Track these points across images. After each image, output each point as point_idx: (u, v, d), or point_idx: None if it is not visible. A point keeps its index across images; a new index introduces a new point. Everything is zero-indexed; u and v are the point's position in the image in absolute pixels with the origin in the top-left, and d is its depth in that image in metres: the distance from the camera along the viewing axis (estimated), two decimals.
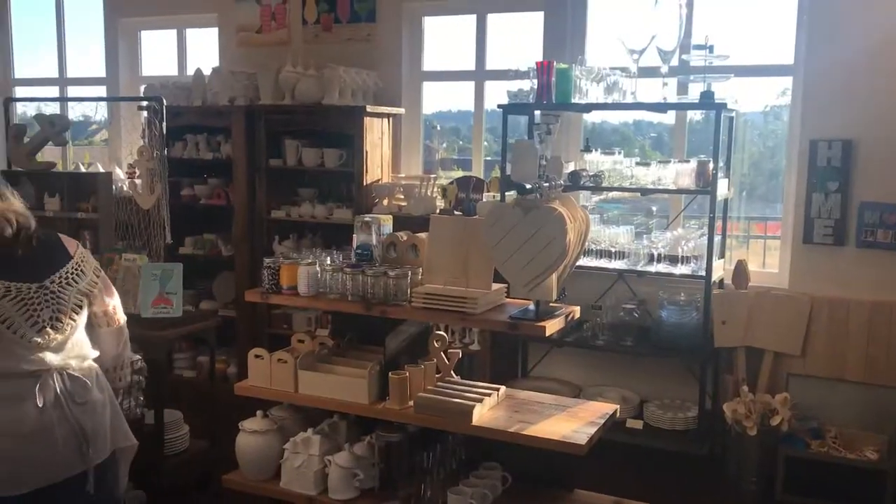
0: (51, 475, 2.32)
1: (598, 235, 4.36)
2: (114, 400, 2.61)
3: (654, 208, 4.61)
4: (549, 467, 3.03)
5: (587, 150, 4.44)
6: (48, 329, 2.34)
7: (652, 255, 4.33)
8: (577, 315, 3.05)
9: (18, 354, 2.28)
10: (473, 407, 2.84)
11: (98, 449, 2.43)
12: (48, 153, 5.25)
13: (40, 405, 2.29)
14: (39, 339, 2.31)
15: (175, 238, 4.55)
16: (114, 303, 2.66)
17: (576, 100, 4.18)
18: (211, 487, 3.93)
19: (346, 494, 2.98)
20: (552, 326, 2.81)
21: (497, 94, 5.11)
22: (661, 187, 4.25)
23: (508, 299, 3.03)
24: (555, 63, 4.15)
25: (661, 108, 4.21)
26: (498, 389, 3.08)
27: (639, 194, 4.50)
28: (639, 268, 4.31)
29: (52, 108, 6.04)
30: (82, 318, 2.48)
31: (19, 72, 6.82)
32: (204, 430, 4.14)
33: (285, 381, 3.12)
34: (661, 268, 4.27)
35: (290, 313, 5.22)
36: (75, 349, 2.44)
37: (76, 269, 2.47)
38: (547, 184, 2.79)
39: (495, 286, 2.97)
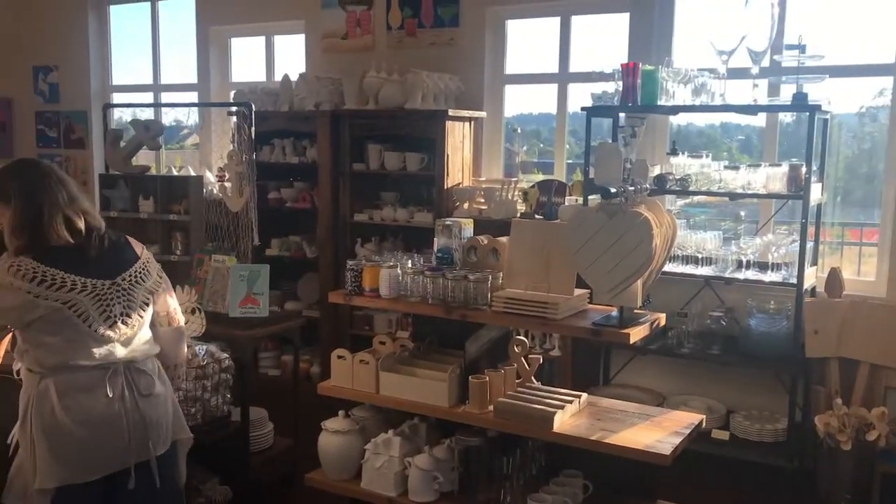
0: (118, 463, 2.45)
1: (685, 241, 4.26)
2: (173, 394, 2.74)
3: (742, 213, 4.47)
4: (632, 477, 2.97)
5: (673, 153, 4.34)
6: (119, 324, 2.47)
7: (740, 262, 4.21)
8: (663, 322, 2.98)
9: (91, 347, 2.41)
10: (555, 413, 2.81)
11: (161, 439, 2.56)
12: (142, 157, 5.45)
13: (110, 395, 2.43)
14: (111, 333, 2.45)
15: (262, 240, 4.66)
16: (174, 304, 2.78)
17: (662, 102, 4.10)
18: (294, 485, 4.00)
19: (425, 497, 2.99)
20: (637, 334, 2.76)
21: (579, 96, 5.07)
22: (751, 192, 4.11)
23: (591, 305, 2.99)
24: (640, 65, 4.08)
25: (751, 110, 4.09)
26: (580, 396, 3.04)
27: (727, 199, 4.37)
28: (726, 274, 4.19)
29: (147, 114, 6.26)
30: (148, 315, 2.60)
31: (116, 79, 7.12)
32: (287, 428, 4.21)
33: (367, 382, 3.15)
34: (750, 275, 4.14)
35: (372, 315, 5.28)
36: (141, 344, 2.56)
37: (143, 269, 2.60)
38: (632, 187, 2.74)
39: (578, 291, 2.93)
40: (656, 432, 2.82)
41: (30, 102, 7.33)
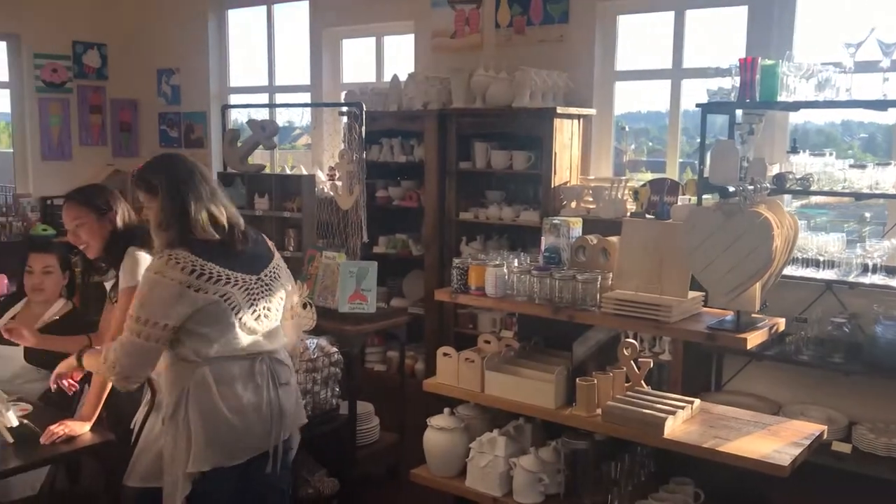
0: (259, 447, 2.56)
1: (806, 243, 4.07)
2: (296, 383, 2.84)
3: (867, 214, 4.23)
4: (746, 487, 2.84)
5: (794, 151, 4.15)
6: (262, 317, 2.56)
7: (866, 266, 3.98)
8: (782, 328, 2.85)
9: (241, 339, 2.51)
10: (665, 419, 2.73)
11: (289, 426, 2.67)
12: (257, 156, 5.63)
13: (258, 384, 2.54)
14: (257, 326, 2.54)
15: (370, 237, 4.74)
16: (296, 298, 2.87)
17: (782, 98, 3.92)
18: (399, 480, 4.05)
19: (530, 498, 2.96)
20: (754, 339, 2.65)
21: (692, 93, 4.92)
22: (879, 191, 3.89)
23: (705, 308, 2.89)
24: (759, 59, 3.92)
25: (881, 105, 3.85)
26: (692, 402, 2.94)
27: (848, 199, 4.16)
28: (850, 279, 3.97)
29: (262, 115, 6.46)
30: (282, 309, 2.69)
31: (233, 81, 7.39)
32: (392, 423, 4.27)
33: (472, 380, 3.14)
34: (877, 279, 3.92)
35: (476, 313, 5.28)
36: (278, 336, 2.65)
37: (278, 265, 2.69)
38: (751, 186, 2.63)
39: (691, 294, 2.83)
40: (773, 442, 2.70)
41: (153, 104, 7.70)
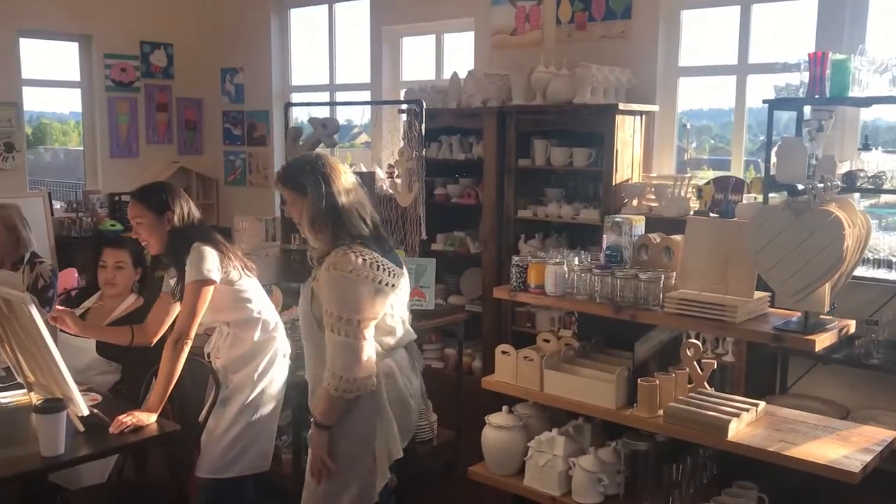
0: (412, 431, 2.81)
1: (877, 243, 3.95)
2: None
3: None
4: (812, 493, 2.77)
5: (865, 148, 4.02)
6: (407, 309, 2.78)
7: None
8: (852, 330, 2.77)
9: (406, 328, 2.73)
10: (730, 421, 2.67)
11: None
12: None
13: (417, 370, 2.78)
14: (406, 317, 2.76)
15: (428, 235, 4.75)
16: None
17: (854, 93, 3.81)
18: (456, 476, 4.05)
19: (589, 499, 2.93)
20: (823, 341, 2.57)
21: (757, 89, 4.81)
22: None
23: (772, 309, 2.82)
24: (830, 54, 3.81)
25: None
26: (756, 405, 2.87)
27: None
28: None
29: (324, 113, 6.53)
30: None
31: (295, 79, 7.49)
32: (449, 420, 4.27)
33: (531, 378, 3.13)
34: None
35: (534, 312, 5.25)
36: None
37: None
38: (821, 184, 2.55)
39: (757, 294, 2.77)
40: (842, 447, 2.62)
41: (217, 102, 7.85)
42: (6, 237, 4.22)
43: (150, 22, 7.54)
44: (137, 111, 7.61)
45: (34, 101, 7.38)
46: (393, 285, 2.58)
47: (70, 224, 6.91)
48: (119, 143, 7.51)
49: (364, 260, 2.50)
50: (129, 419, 2.82)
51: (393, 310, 2.64)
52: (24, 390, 3.02)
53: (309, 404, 2.76)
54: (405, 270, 2.74)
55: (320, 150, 5.28)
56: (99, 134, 7.42)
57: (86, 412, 2.74)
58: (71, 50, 7.37)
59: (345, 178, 2.61)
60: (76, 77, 7.43)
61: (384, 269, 2.54)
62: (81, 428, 2.76)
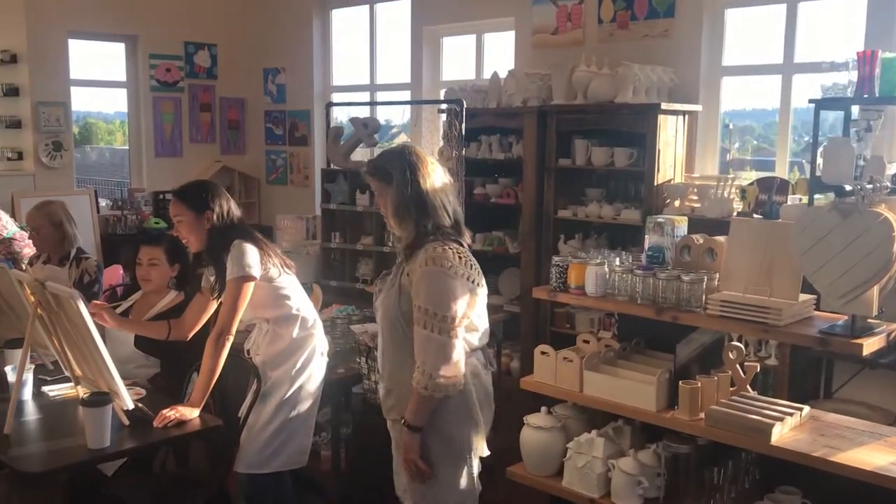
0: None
1: None
2: None
3: None
4: (858, 500, 2.71)
5: None
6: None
7: None
8: None
9: (487, 326, 2.72)
10: (773, 425, 2.63)
11: None
12: (357, 153, 5.72)
13: (489, 368, 2.76)
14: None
15: None
16: None
17: None
18: (494, 476, 4.04)
19: (629, 501, 2.91)
20: (870, 345, 2.52)
21: (802, 89, 4.74)
22: None
23: (817, 312, 2.77)
24: (879, 52, 3.73)
25: None
26: (801, 409, 2.83)
27: None
28: None
29: (364, 112, 6.57)
30: None
31: (336, 80, 7.54)
32: None
33: (570, 380, 3.11)
34: None
35: (574, 313, 5.22)
36: None
37: None
38: (870, 185, 2.50)
39: (802, 297, 2.72)
40: (890, 454, 2.57)
41: (259, 102, 7.94)
42: (52, 233, 4.31)
43: (194, 23, 7.66)
44: (181, 111, 7.72)
45: (80, 102, 7.54)
46: (480, 284, 2.57)
47: (115, 221, 7.05)
48: (163, 143, 7.64)
49: (460, 257, 2.48)
50: (172, 413, 2.87)
51: (478, 308, 2.62)
52: (72, 384, 3.08)
53: (383, 405, 2.71)
54: None
55: (362, 149, 5.32)
56: (144, 133, 7.55)
57: (131, 406, 2.79)
58: (117, 51, 7.51)
59: (432, 169, 2.58)
60: (122, 77, 7.57)
61: (474, 268, 2.54)
62: (126, 421, 2.81)
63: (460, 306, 2.46)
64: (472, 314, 2.58)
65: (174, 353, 3.43)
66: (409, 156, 2.58)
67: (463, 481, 2.62)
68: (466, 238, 2.63)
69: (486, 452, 2.70)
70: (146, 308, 3.64)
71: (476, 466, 2.68)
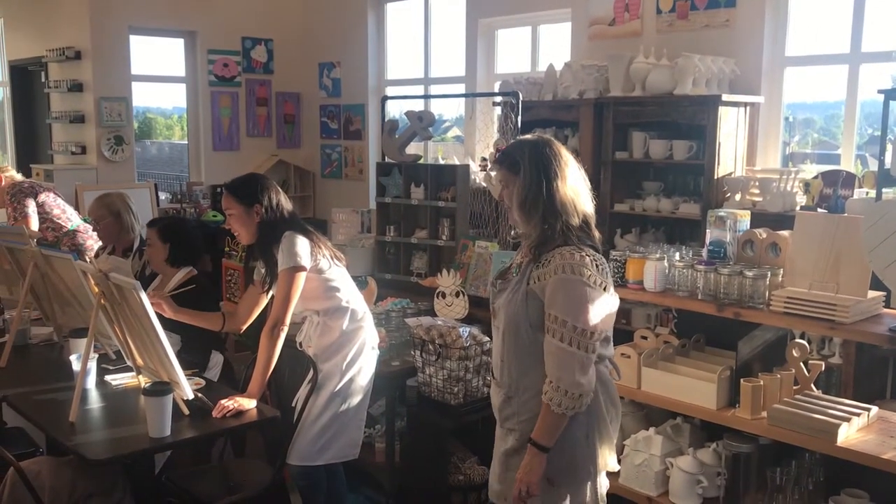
0: None
1: None
2: None
3: None
4: None
5: None
6: None
7: None
8: None
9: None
10: (839, 426, 2.56)
11: None
12: (411, 147, 5.72)
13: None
14: None
15: None
16: None
17: None
18: None
19: (687, 500, 2.86)
20: None
21: (868, 80, 4.58)
22: None
23: (886, 309, 2.68)
24: None
25: None
26: (868, 409, 2.74)
27: None
28: None
29: (418, 106, 6.55)
30: None
31: (390, 73, 7.56)
32: None
33: (628, 376, 3.07)
34: None
35: (629, 308, 5.13)
36: None
37: None
38: None
39: (871, 293, 2.64)
40: None
41: (315, 96, 8.00)
42: (112, 223, 4.41)
43: (251, 18, 7.75)
44: (238, 105, 7.83)
45: (140, 97, 7.70)
46: (613, 292, 2.36)
47: (175, 214, 7.19)
48: (221, 137, 7.75)
49: (597, 266, 2.29)
50: (231, 403, 2.91)
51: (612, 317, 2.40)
52: (134, 373, 3.14)
53: (500, 412, 2.51)
54: None
55: (416, 142, 5.32)
56: (202, 127, 7.68)
57: (191, 396, 2.83)
58: (176, 46, 7.65)
59: (565, 165, 2.35)
60: (181, 73, 7.71)
61: (608, 275, 2.34)
62: (186, 411, 2.85)
63: (600, 319, 2.27)
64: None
65: (195, 330, 3.47)
66: (543, 148, 2.37)
67: (587, 499, 2.40)
68: (597, 240, 2.39)
69: (615, 467, 2.49)
70: (161, 289, 3.72)
71: (603, 483, 2.47)
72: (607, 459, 2.42)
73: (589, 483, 2.39)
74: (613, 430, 2.44)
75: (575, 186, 2.36)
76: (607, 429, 2.40)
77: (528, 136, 2.51)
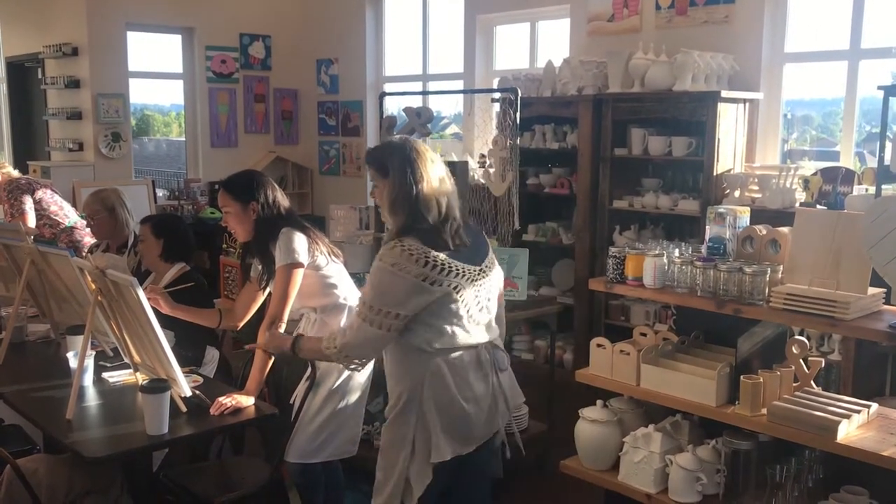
0: (485, 435, 2.60)
1: None
2: None
3: None
4: None
5: None
6: (485, 308, 2.57)
7: None
8: None
9: (468, 329, 2.52)
10: (839, 423, 2.55)
11: (509, 409, 2.70)
12: None
13: (486, 374, 2.57)
14: (479, 317, 2.55)
15: (520, 225, 4.70)
16: (501, 287, 2.82)
17: None
18: (547, 470, 4.01)
19: (687, 497, 2.85)
20: None
21: (867, 77, 4.58)
22: None
23: (886, 306, 2.67)
24: None
25: None
26: (868, 406, 2.73)
27: None
28: None
29: (416, 102, 6.54)
30: (497, 298, 2.69)
31: (388, 69, 7.54)
32: (540, 412, 4.23)
33: (627, 373, 3.06)
34: None
35: (629, 305, 5.14)
36: (494, 325, 2.66)
37: (493, 256, 2.67)
38: None
39: (871, 290, 2.63)
40: None
41: (313, 93, 7.99)
42: (107, 218, 4.39)
43: (249, 14, 7.73)
44: (236, 102, 7.82)
45: (137, 94, 7.69)
46: (448, 284, 2.42)
47: (172, 212, 7.17)
48: (219, 133, 7.74)
49: (412, 255, 2.38)
50: (228, 401, 2.89)
51: (450, 312, 2.46)
52: (131, 370, 3.13)
53: None
54: (490, 268, 2.58)
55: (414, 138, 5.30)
56: (200, 124, 7.66)
57: (188, 393, 2.82)
58: (173, 42, 7.63)
59: (430, 165, 2.49)
60: (179, 69, 7.69)
61: (436, 267, 2.40)
62: (184, 408, 2.84)
63: (390, 301, 2.40)
64: (434, 315, 2.45)
65: (189, 326, 3.46)
66: (408, 151, 2.50)
67: (397, 477, 2.53)
68: (448, 239, 2.46)
69: (442, 457, 2.49)
70: (156, 283, 3.70)
71: (424, 469, 2.51)
72: (432, 451, 2.49)
73: (404, 467, 2.52)
74: (452, 427, 2.49)
75: (440, 187, 2.49)
76: (434, 424, 2.48)
77: (395, 139, 2.67)
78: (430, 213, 2.46)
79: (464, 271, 2.47)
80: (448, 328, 2.47)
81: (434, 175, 2.50)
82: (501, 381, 2.62)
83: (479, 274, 2.52)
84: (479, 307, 2.53)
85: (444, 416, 2.49)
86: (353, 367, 2.58)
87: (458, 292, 2.45)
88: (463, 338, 2.50)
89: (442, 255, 2.43)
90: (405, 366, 2.53)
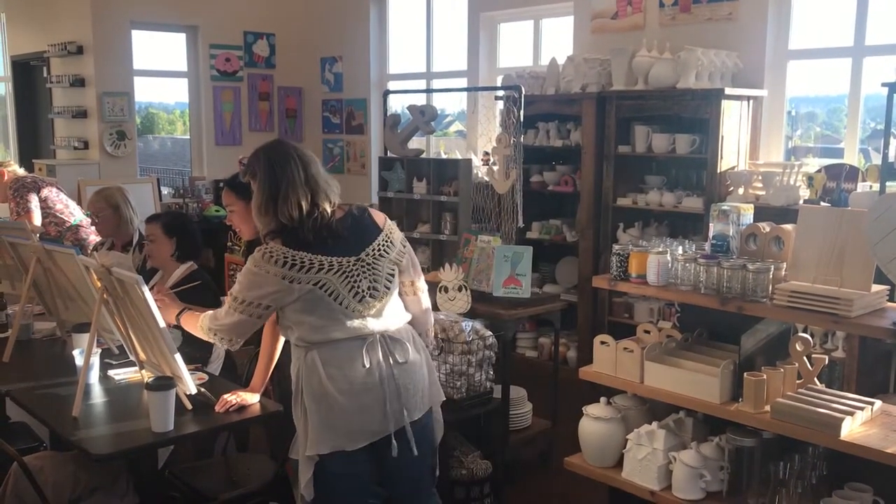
0: (380, 431, 2.56)
1: None
2: (429, 360, 2.80)
3: None
4: None
5: None
6: (367, 298, 2.56)
7: None
8: None
9: (344, 321, 2.53)
10: (842, 420, 2.55)
11: (417, 406, 2.64)
12: (413, 142, 5.72)
13: (367, 366, 2.54)
14: (360, 307, 2.55)
15: (524, 222, 4.70)
16: (416, 278, 2.87)
17: None
18: (551, 466, 4.02)
19: (690, 494, 2.85)
20: None
21: (871, 74, 4.57)
22: None
23: (889, 303, 2.67)
24: None
25: None
26: (872, 403, 2.73)
27: None
28: None
29: (420, 100, 6.55)
30: (395, 286, 2.68)
31: (392, 67, 7.54)
32: (543, 409, 4.24)
33: (631, 370, 3.06)
34: None
35: (632, 303, 5.15)
36: (392, 314, 2.65)
37: (387, 241, 2.65)
38: None
39: (875, 287, 2.63)
40: None
41: (317, 91, 8.00)
42: (111, 215, 4.40)
43: (252, 13, 7.74)
44: (241, 100, 7.83)
45: (142, 92, 7.71)
46: (309, 281, 2.46)
47: (177, 209, 7.19)
48: (223, 132, 7.75)
49: (272, 257, 2.47)
50: (233, 398, 2.90)
51: (318, 306, 2.49)
52: (136, 368, 3.14)
53: None
54: (378, 255, 2.57)
55: (418, 137, 5.30)
56: (204, 122, 7.68)
57: (193, 390, 2.82)
58: (178, 41, 7.64)
59: (297, 165, 2.54)
60: (183, 67, 7.70)
61: (294, 266, 2.45)
62: (189, 406, 2.85)
63: (254, 296, 2.51)
64: (301, 312, 2.51)
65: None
66: (273, 152, 2.58)
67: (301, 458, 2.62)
68: (308, 237, 2.50)
69: (321, 450, 2.52)
70: (162, 284, 3.70)
71: (306, 462, 2.57)
72: (311, 441, 2.53)
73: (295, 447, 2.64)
74: (329, 418, 2.51)
75: (306, 185, 2.53)
76: (311, 413, 2.53)
77: (269, 141, 2.71)
78: (290, 210, 2.50)
79: (332, 265, 2.49)
80: (319, 322, 2.51)
81: (299, 173, 2.53)
82: (397, 374, 2.57)
83: (355, 264, 2.52)
84: (359, 297, 2.52)
85: (321, 408, 2.51)
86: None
87: (323, 287, 2.48)
88: (339, 330, 2.51)
89: (303, 254, 2.47)
90: (293, 358, 2.62)
